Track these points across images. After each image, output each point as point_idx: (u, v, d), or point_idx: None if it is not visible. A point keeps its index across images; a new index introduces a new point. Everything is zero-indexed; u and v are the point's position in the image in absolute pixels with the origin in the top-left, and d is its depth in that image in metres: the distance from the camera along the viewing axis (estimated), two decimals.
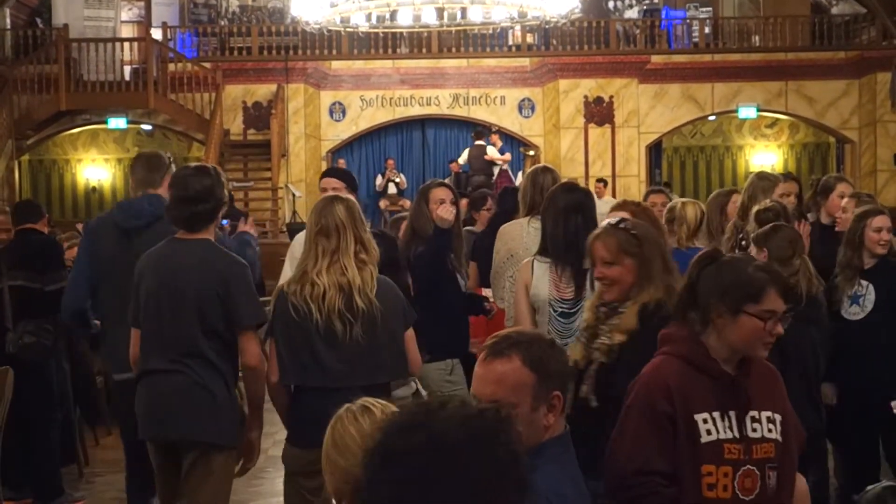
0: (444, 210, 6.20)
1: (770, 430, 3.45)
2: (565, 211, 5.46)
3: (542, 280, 5.43)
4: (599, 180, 21.28)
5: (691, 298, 3.53)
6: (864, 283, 6.26)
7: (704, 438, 3.39)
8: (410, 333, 5.04)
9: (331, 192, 5.51)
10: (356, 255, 4.80)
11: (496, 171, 21.80)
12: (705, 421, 3.40)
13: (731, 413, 3.42)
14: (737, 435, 3.40)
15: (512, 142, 24.38)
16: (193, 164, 5.69)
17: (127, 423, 5.69)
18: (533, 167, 7.25)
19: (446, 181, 6.99)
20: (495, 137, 22.39)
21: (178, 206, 5.18)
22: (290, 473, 4.98)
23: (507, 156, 22.49)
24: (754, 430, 3.43)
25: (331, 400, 4.70)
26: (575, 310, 5.38)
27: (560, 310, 5.41)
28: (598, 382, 4.12)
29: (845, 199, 6.87)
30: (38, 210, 8.29)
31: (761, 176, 7.23)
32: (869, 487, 3.35)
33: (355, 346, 4.77)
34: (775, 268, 4.01)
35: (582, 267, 5.29)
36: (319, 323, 4.74)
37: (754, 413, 3.45)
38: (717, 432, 3.40)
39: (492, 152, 21.96)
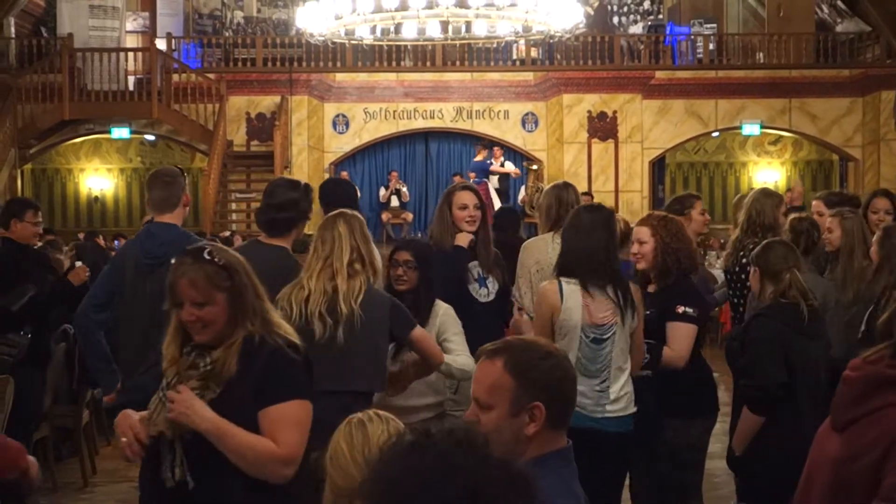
0: (464, 226, 6.16)
1: None
2: (590, 229, 5.34)
3: (574, 304, 5.27)
4: (585, 193, 21.05)
5: None
6: None
7: None
8: (419, 332, 5.05)
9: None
10: (349, 265, 4.85)
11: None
12: None
13: None
14: None
15: (515, 156, 24.39)
16: (288, 177, 5.92)
17: None
18: (554, 184, 7.14)
19: (471, 184, 6.77)
20: (487, 152, 22.69)
21: (263, 210, 5.68)
22: None
23: (509, 167, 22.62)
24: None
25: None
26: (607, 336, 5.28)
27: (592, 336, 5.28)
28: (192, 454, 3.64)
29: (827, 220, 6.60)
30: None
31: (766, 192, 7.19)
32: None
33: (335, 351, 4.79)
34: None
35: (620, 287, 5.28)
36: (298, 323, 4.73)
37: None
38: None
39: (496, 166, 22.19)
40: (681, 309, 5.62)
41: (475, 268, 6.21)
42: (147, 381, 5.14)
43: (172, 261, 3.66)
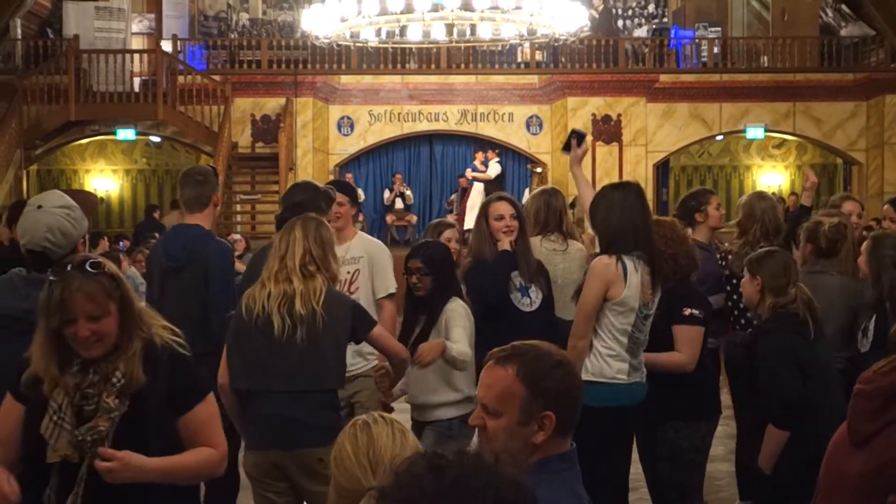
0: (501, 237, 6.12)
1: None
2: (629, 206, 5.35)
3: (636, 282, 5.28)
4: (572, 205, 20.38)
5: None
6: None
7: None
8: (378, 330, 5.08)
9: (335, 207, 5.94)
10: (302, 266, 4.86)
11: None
12: None
13: None
14: None
15: (519, 159, 24.43)
16: (308, 181, 5.97)
17: None
18: (542, 188, 7.22)
19: (508, 195, 6.74)
20: (482, 155, 22.77)
21: (282, 211, 5.71)
22: (251, 479, 5.05)
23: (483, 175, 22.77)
24: None
25: (275, 402, 4.85)
26: (652, 311, 5.40)
27: (644, 313, 5.36)
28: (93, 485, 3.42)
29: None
30: None
31: (762, 196, 7.22)
32: None
33: (298, 350, 4.82)
34: None
35: (657, 265, 5.35)
36: (260, 318, 4.83)
37: None
38: None
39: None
40: (687, 311, 5.64)
41: (516, 278, 6.14)
42: None
43: (51, 277, 3.43)
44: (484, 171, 22.66)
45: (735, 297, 6.82)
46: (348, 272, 6.13)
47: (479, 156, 23.17)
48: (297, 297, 4.82)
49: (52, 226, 4.20)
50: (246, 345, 4.92)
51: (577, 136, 6.54)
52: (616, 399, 5.30)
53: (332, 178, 23.23)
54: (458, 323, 5.47)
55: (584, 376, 5.10)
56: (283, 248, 4.94)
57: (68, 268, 3.42)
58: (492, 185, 21.69)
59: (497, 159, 23.01)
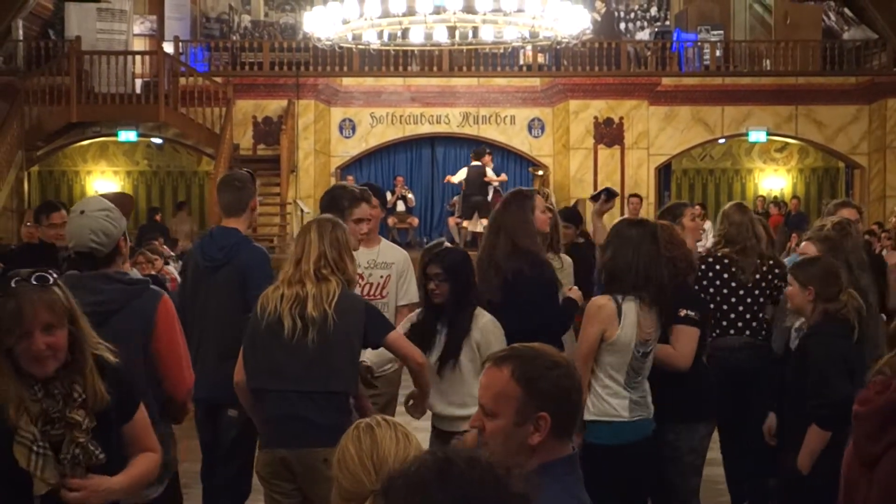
0: (542, 222, 6.24)
1: None
2: (639, 244, 5.39)
3: (631, 322, 5.33)
4: (633, 195, 18.66)
5: None
6: None
7: None
8: (395, 335, 5.12)
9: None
10: (316, 270, 4.91)
11: (490, 190, 21.91)
12: None
13: None
14: None
15: (521, 161, 24.41)
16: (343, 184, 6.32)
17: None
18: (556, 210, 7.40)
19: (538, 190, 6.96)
20: (488, 158, 22.58)
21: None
22: (261, 479, 5.11)
23: (503, 176, 22.60)
24: None
25: (284, 402, 4.90)
26: (651, 349, 5.45)
27: (642, 351, 5.40)
28: None
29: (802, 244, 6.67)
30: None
31: (743, 208, 7.25)
32: None
33: (308, 351, 4.87)
34: None
35: (661, 301, 5.39)
36: (272, 319, 4.90)
37: None
38: None
39: (490, 174, 22.14)
40: (683, 312, 5.69)
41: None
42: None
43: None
44: (497, 177, 22.55)
45: (714, 303, 6.80)
46: (381, 276, 6.34)
47: (486, 161, 22.92)
48: (310, 300, 4.87)
49: (94, 228, 4.55)
50: (259, 345, 4.99)
51: (608, 194, 6.93)
52: (619, 437, 5.35)
53: (333, 180, 23.25)
54: (497, 346, 5.33)
55: (587, 416, 5.25)
56: (299, 251, 4.99)
57: (13, 283, 3.32)
58: (473, 188, 21.62)
59: (475, 163, 22.91)
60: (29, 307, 3.27)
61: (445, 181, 23.51)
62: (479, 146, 23.29)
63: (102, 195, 5.81)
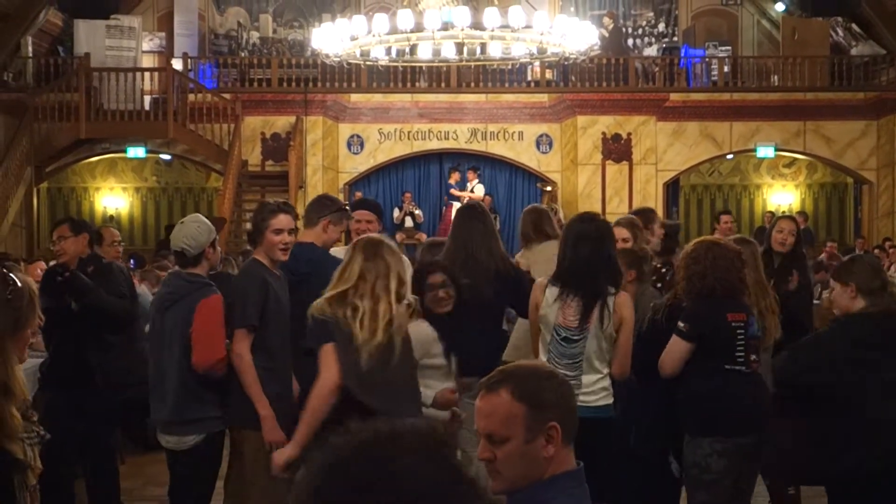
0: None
1: None
2: (576, 240, 5.76)
3: (552, 304, 5.74)
4: (725, 211, 15.66)
5: None
6: None
7: None
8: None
9: (364, 224, 6.63)
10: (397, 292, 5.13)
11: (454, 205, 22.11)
12: None
13: None
14: None
15: (529, 177, 24.42)
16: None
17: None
18: (531, 207, 7.95)
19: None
20: (455, 175, 22.90)
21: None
22: None
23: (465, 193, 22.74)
24: None
25: None
26: (578, 337, 5.70)
27: (564, 335, 5.71)
28: None
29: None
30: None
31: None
32: None
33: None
34: None
35: (591, 296, 5.65)
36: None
37: None
38: None
39: (456, 189, 22.74)
40: (680, 324, 5.80)
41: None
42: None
43: None
44: (462, 192, 22.67)
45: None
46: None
47: (455, 175, 23.31)
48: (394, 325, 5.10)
49: (186, 234, 6.04)
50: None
51: None
52: None
53: (341, 196, 23.28)
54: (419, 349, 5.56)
55: None
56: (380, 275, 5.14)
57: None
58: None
59: (478, 179, 22.99)
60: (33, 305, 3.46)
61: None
62: (452, 162, 23.53)
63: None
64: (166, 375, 6.07)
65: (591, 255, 5.70)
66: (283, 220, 5.95)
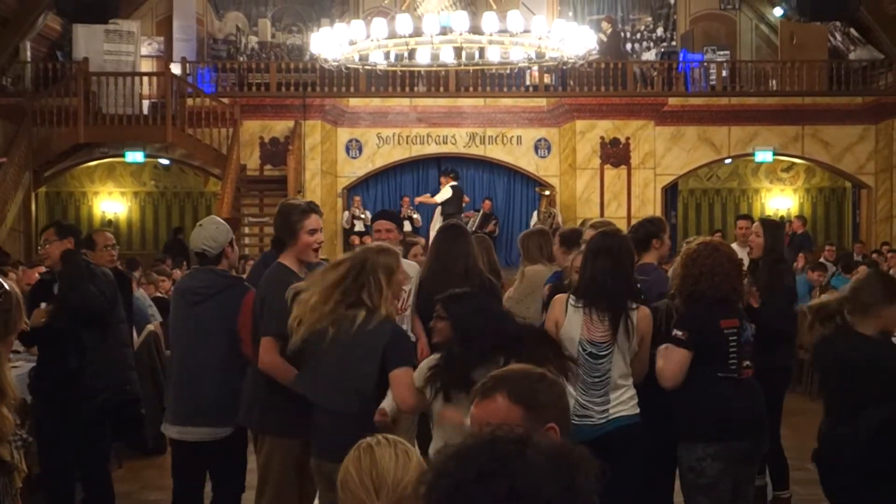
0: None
1: None
2: (594, 254, 5.79)
3: (575, 320, 5.74)
4: (742, 216, 16.77)
5: None
6: None
7: None
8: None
9: (384, 234, 7.09)
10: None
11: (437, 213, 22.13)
12: None
13: None
14: None
15: (528, 181, 24.43)
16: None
17: None
18: (530, 231, 8.10)
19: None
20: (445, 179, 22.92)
21: None
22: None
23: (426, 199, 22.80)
24: None
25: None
26: (605, 353, 5.68)
27: (589, 350, 5.69)
28: None
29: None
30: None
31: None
32: None
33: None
34: None
35: (615, 310, 5.66)
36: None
37: None
38: None
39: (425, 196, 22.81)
40: (674, 332, 5.74)
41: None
42: None
43: None
44: (430, 198, 22.60)
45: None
46: (405, 291, 6.66)
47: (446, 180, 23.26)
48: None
49: (206, 235, 6.28)
50: None
51: None
52: (587, 435, 5.41)
53: (340, 201, 23.31)
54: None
55: None
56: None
57: None
58: (449, 207, 21.56)
59: (452, 183, 22.80)
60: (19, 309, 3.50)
61: (422, 202, 23.19)
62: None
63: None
64: (203, 368, 6.18)
65: (611, 270, 5.74)
66: (315, 220, 5.97)
